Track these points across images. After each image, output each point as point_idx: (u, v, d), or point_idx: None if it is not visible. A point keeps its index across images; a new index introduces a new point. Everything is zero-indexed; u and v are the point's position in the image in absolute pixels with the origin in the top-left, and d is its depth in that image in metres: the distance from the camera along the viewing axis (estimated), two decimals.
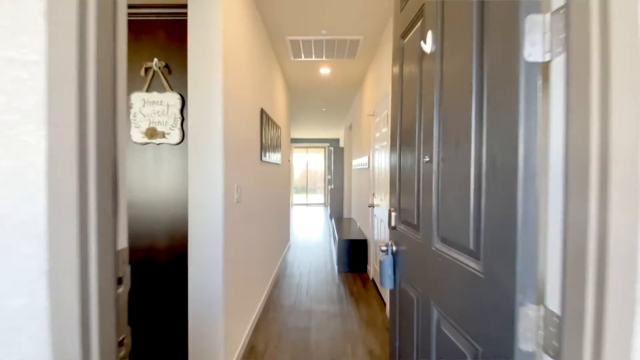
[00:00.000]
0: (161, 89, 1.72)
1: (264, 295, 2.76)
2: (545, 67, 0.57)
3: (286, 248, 4.55)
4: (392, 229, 1.29)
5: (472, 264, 0.72)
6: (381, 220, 2.88)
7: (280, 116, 3.86)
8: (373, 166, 3.33)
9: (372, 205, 3.27)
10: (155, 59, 1.70)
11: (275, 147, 3.35)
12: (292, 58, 3.41)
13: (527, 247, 0.57)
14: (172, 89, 1.72)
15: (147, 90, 1.72)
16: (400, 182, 1.24)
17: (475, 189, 0.71)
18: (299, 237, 5.64)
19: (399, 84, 1.26)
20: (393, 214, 1.28)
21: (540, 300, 0.58)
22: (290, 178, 11.14)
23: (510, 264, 0.59)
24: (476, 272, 0.70)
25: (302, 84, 4.51)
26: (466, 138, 0.74)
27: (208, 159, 1.62)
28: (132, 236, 1.75)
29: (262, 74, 2.69)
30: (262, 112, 2.58)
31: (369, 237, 3.62)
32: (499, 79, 0.63)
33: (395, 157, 1.28)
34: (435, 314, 0.93)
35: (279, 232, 3.83)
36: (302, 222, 7.58)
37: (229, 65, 1.76)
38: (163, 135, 1.70)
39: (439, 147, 0.90)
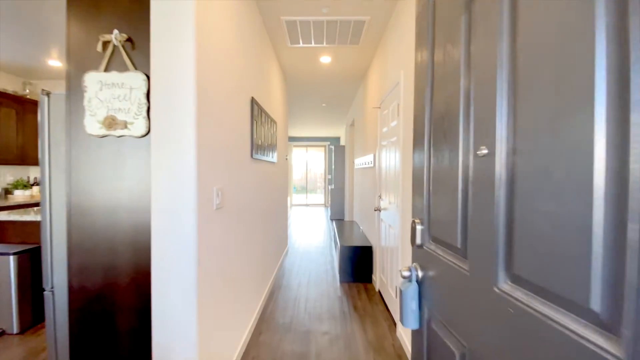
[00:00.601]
0: (122, 68, 1.38)
1: (256, 312, 2.43)
2: None
3: (283, 254, 4.22)
4: (418, 247, 0.96)
5: (598, 339, 0.39)
6: (389, 226, 2.55)
7: (276, 110, 3.53)
8: (379, 165, 2.99)
9: (378, 209, 2.93)
10: (116, 31, 1.36)
11: (271, 144, 3.02)
12: (289, 44, 3.07)
13: None
14: (136, 68, 1.38)
15: (106, 70, 1.38)
16: (430, 185, 0.91)
17: (608, 197, 0.39)
18: (298, 242, 5.31)
19: (428, 53, 0.92)
20: (418, 227, 0.95)
21: None
22: (289, 178, 10.83)
23: None
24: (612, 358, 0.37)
25: (301, 75, 4.17)
26: (583, 107, 0.41)
27: (176, 156, 1.29)
28: (87, 252, 1.43)
29: (253, 59, 2.36)
30: (253, 101, 2.24)
31: (374, 243, 3.29)
32: None
33: (422, 152, 0.95)
34: None
35: (275, 237, 3.49)
36: (301, 224, 7.25)
37: (206, 40, 1.43)
38: (125, 125, 1.37)
39: (508, 130, 0.57)
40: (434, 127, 0.88)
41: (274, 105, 3.41)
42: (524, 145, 0.53)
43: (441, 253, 0.83)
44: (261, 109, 2.53)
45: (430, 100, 0.91)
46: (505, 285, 0.58)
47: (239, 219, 1.96)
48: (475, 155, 0.66)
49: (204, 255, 1.40)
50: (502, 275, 0.59)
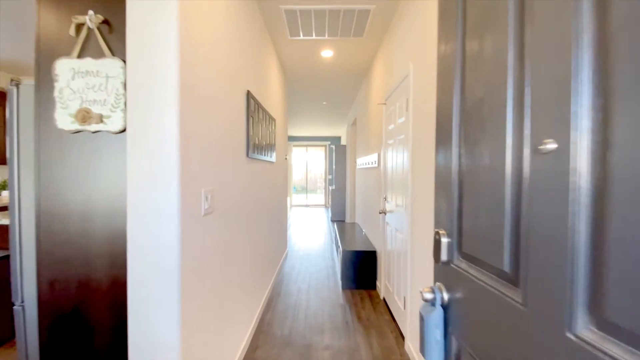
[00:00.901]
0: (98, 54, 1.22)
1: (253, 323, 2.26)
2: None
3: (283, 258, 4.05)
4: (444, 264, 0.80)
5: None
6: (396, 230, 2.38)
7: (275, 106, 3.36)
8: (385, 165, 2.82)
9: (383, 212, 2.77)
10: (91, 12, 1.20)
11: (269, 142, 2.85)
12: (288, 36, 2.91)
13: None
14: (113, 54, 1.22)
15: (79, 56, 1.22)
16: (460, 189, 0.74)
17: None
18: (298, 244, 5.14)
19: (458, 29, 0.76)
20: (443, 239, 0.78)
21: None
22: (289, 178, 10.65)
23: None
24: None
25: (301, 71, 4.00)
26: None
27: (155, 155, 1.12)
28: (59, 262, 1.25)
29: (249, 50, 2.19)
30: (249, 95, 2.08)
31: (378, 248, 3.12)
32: None
33: (448, 147, 0.78)
34: None
35: (274, 240, 3.32)
36: (301, 225, 7.08)
37: (193, 24, 1.26)
38: (100, 119, 1.20)
39: (594, 116, 0.41)
40: (466, 118, 0.71)
41: (273, 101, 3.24)
42: (628, 136, 0.36)
43: (476, 274, 0.67)
44: (258, 105, 2.36)
45: (460, 85, 0.74)
46: (587, 332, 0.42)
47: (232, 223, 1.79)
48: (536, 151, 0.50)
49: (189, 266, 1.23)
50: (582, 317, 0.42)
